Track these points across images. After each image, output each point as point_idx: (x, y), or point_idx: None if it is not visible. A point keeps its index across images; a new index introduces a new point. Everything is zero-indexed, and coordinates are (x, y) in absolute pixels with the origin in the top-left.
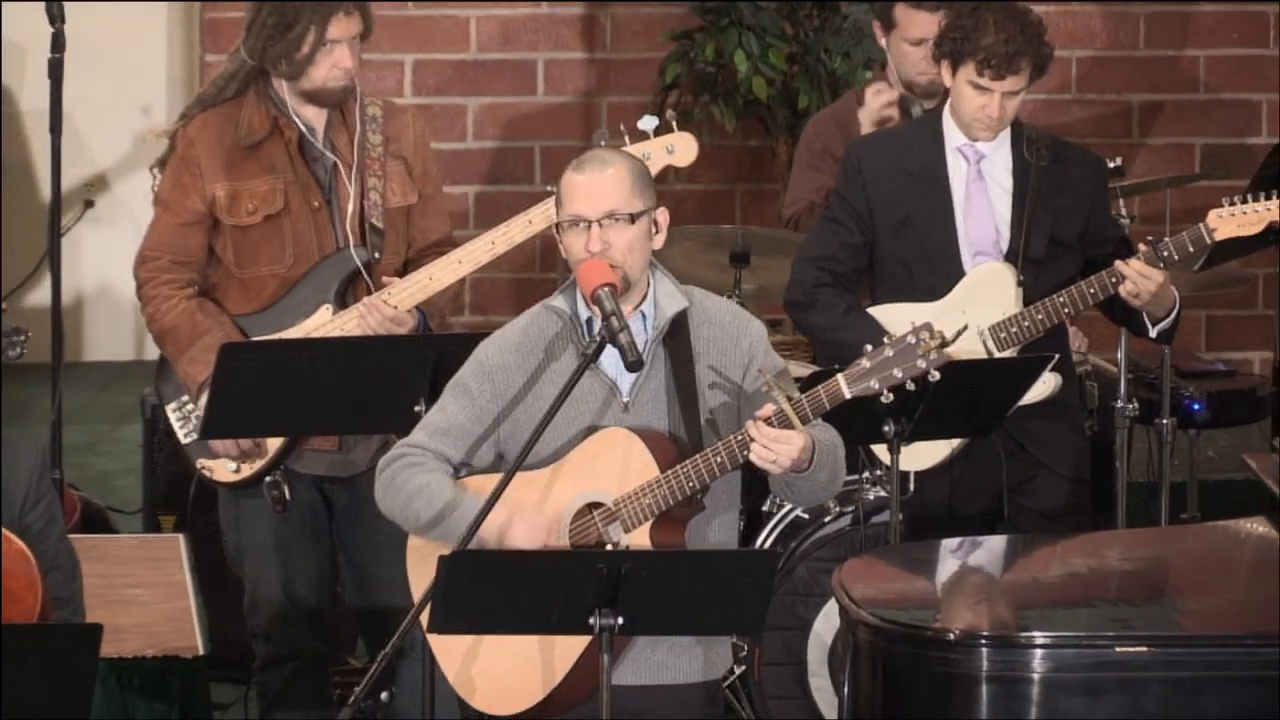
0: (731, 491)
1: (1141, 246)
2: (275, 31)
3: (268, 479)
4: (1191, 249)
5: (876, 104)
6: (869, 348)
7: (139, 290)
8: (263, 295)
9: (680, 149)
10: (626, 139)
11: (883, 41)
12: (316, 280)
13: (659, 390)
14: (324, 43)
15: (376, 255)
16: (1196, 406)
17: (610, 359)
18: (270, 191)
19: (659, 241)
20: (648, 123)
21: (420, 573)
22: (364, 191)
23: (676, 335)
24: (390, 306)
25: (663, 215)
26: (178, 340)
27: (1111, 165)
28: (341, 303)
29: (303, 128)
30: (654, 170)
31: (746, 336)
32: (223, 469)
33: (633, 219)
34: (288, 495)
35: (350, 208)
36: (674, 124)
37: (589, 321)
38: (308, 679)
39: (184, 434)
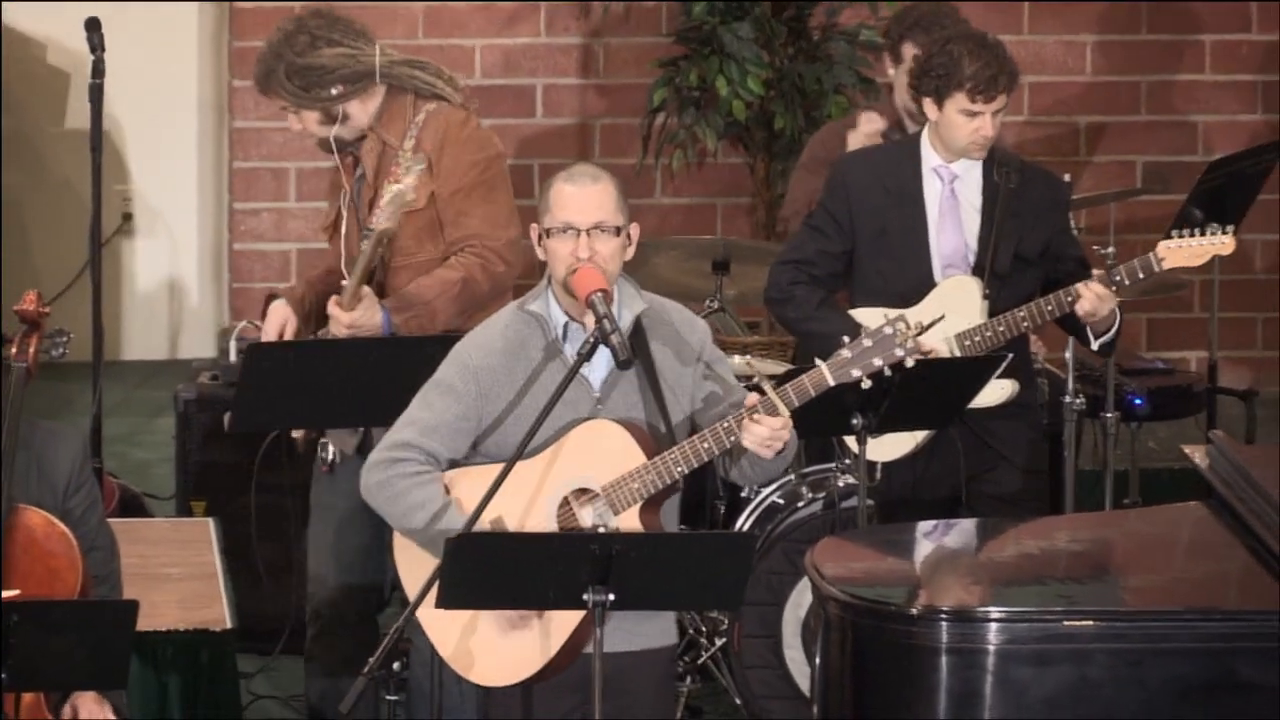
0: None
1: (1096, 272)
2: None
3: (320, 440)
4: (1141, 276)
5: (866, 130)
6: (847, 339)
7: None
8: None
9: None
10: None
11: (890, 71)
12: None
13: (627, 385)
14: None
15: (377, 254)
16: (1138, 401)
17: (574, 346)
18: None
19: (629, 253)
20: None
21: (405, 558)
22: (376, 198)
23: (637, 334)
24: (346, 315)
25: (635, 230)
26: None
27: None
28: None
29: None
30: None
31: (695, 333)
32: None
33: (617, 231)
34: (333, 458)
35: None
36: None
37: (566, 326)
38: (358, 641)
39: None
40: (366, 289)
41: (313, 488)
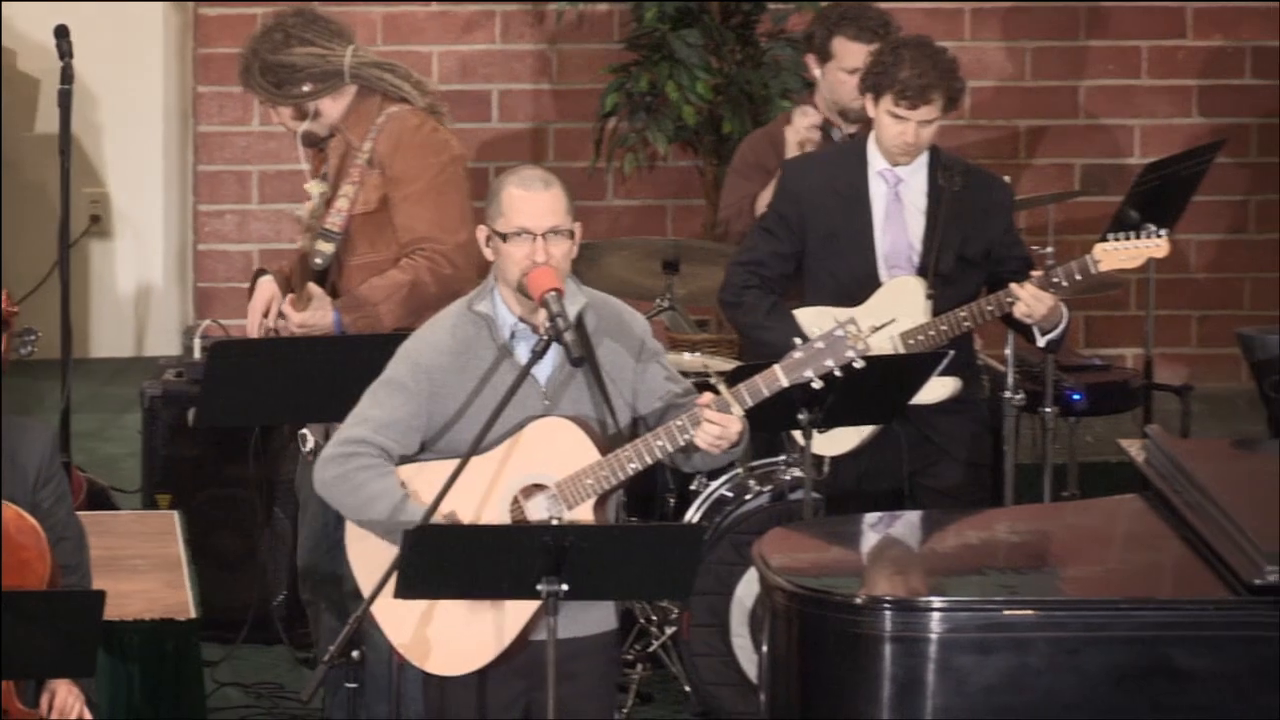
0: None
1: (1034, 274)
2: None
3: (300, 432)
4: (1079, 278)
5: (802, 124)
6: (798, 341)
7: None
8: None
9: None
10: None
11: (816, 72)
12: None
13: (574, 381)
14: None
15: (319, 262)
16: (1076, 396)
17: (526, 353)
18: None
19: (574, 253)
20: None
21: (358, 551)
22: (331, 201)
23: (579, 330)
24: (298, 315)
25: (578, 230)
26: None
27: None
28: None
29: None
30: None
31: (635, 327)
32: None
33: (570, 235)
34: (312, 446)
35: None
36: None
37: (517, 325)
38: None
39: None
40: (318, 290)
41: (298, 476)
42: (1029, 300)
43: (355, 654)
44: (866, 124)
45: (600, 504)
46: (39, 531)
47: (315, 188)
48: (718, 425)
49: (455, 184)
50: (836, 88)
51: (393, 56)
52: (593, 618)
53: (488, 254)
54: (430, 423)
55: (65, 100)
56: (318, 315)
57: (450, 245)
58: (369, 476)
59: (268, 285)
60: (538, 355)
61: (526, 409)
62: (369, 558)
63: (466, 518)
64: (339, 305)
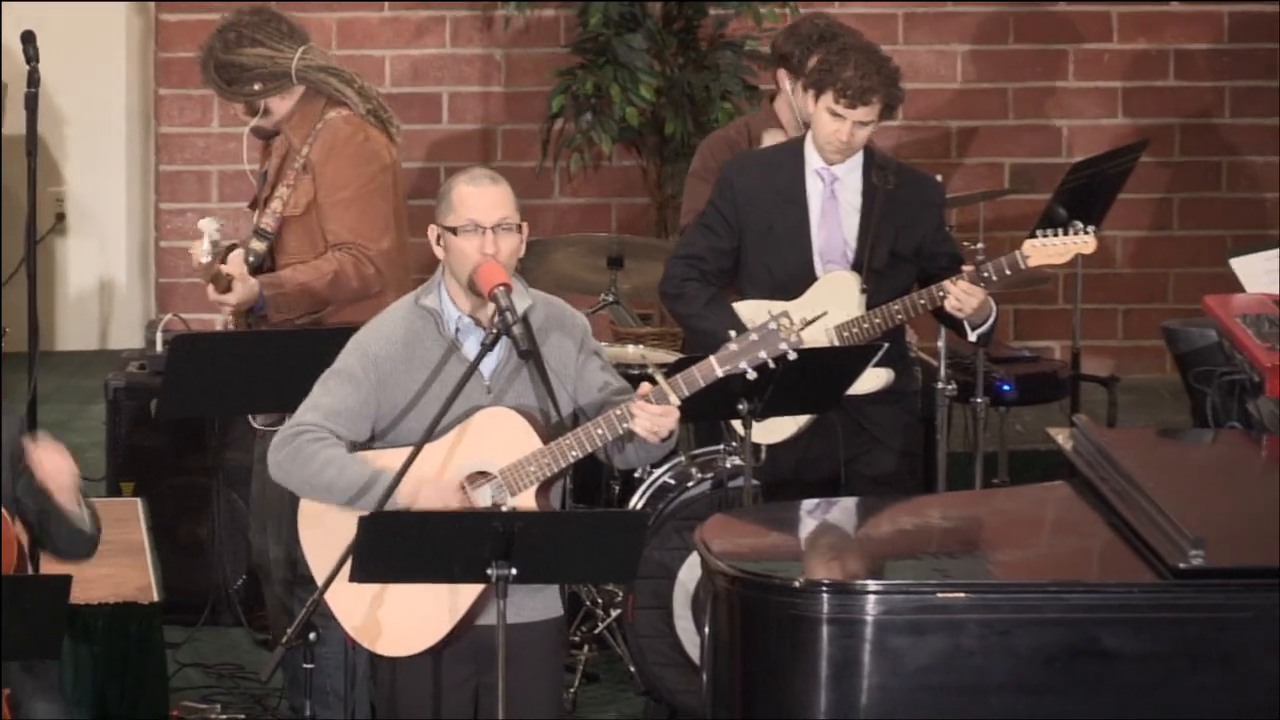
0: None
1: (965, 268)
2: None
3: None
4: (1008, 272)
5: (771, 142)
6: (734, 333)
7: None
8: None
9: None
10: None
11: (786, 85)
12: None
13: (517, 374)
14: None
15: (250, 259)
16: (1006, 387)
17: (472, 347)
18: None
19: (521, 251)
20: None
21: (311, 536)
22: (269, 200)
23: (525, 326)
24: (233, 297)
25: (525, 229)
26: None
27: None
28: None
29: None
30: None
31: (577, 327)
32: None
33: (518, 228)
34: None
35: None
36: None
37: (459, 320)
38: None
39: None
40: (238, 271)
41: (256, 449)
42: (960, 295)
43: (312, 636)
44: (807, 129)
45: (543, 490)
46: (5, 518)
47: (209, 224)
48: (655, 413)
49: (382, 193)
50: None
51: (346, 60)
52: (539, 604)
53: (438, 252)
54: (379, 411)
55: (31, 103)
56: (246, 290)
57: (374, 251)
58: (317, 448)
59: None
60: (487, 348)
61: (471, 400)
62: (322, 543)
63: (415, 505)
64: (263, 280)
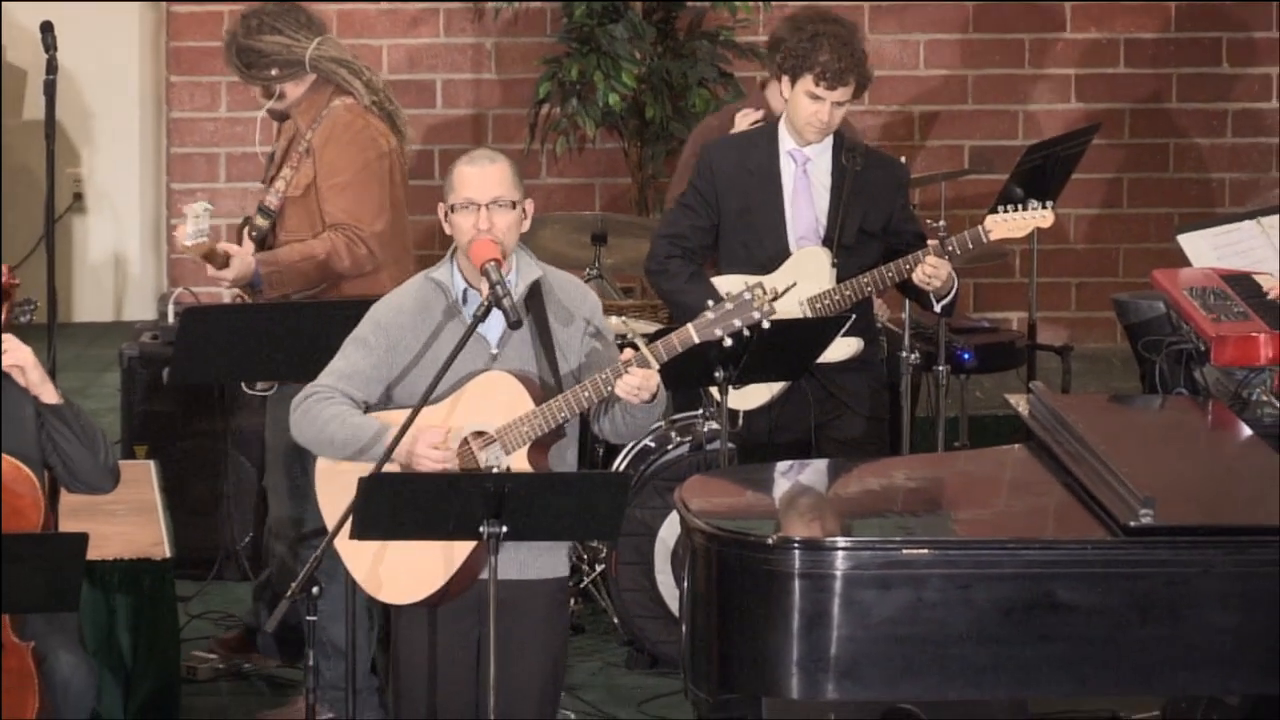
0: (575, 425)
1: (931, 243)
2: None
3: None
4: (971, 246)
5: (744, 124)
6: (711, 303)
7: None
8: None
9: None
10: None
11: (780, 88)
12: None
13: (523, 343)
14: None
15: (253, 235)
16: (966, 356)
17: (471, 309)
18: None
19: (525, 226)
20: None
21: (327, 491)
22: (273, 180)
23: (534, 298)
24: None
25: (529, 205)
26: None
27: None
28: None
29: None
30: None
31: (586, 302)
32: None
33: (513, 205)
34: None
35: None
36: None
37: (465, 291)
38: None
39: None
40: (235, 249)
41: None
42: (929, 268)
43: (315, 590)
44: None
45: (537, 450)
46: (34, 481)
47: (194, 209)
48: (636, 378)
49: (379, 178)
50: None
51: (348, 49)
52: (542, 563)
53: (447, 229)
54: (390, 375)
55: (50, 90)
56: (242, 266)
57: (368, 232)
58: (324, 405)
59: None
60: (479, 318)
61: (476, 365)
62: (336, 498)
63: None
64: (258, 257)
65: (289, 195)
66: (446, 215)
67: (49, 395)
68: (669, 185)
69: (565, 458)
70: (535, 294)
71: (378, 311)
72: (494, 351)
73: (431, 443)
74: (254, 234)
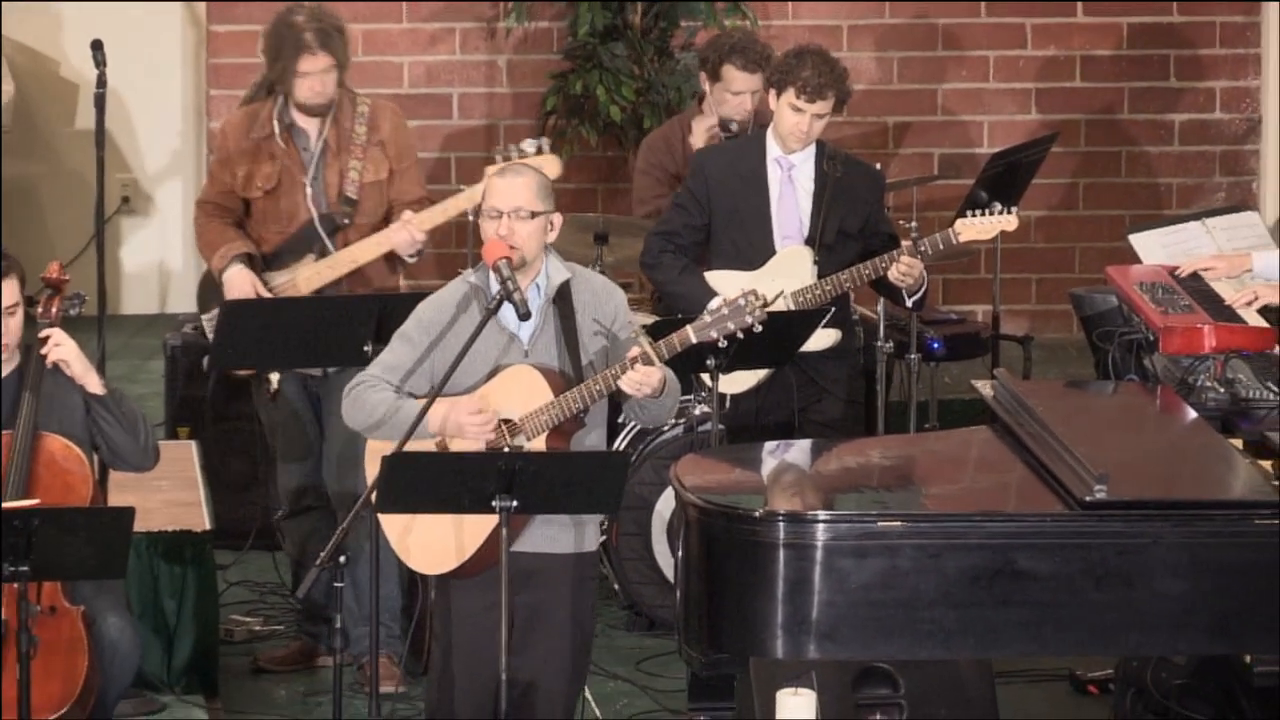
0: (601, 413)
1: (905, 243)
2: (269, 61)
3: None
4: (941, 246)
5: (701, 129)
6: (710, 305)
7: (195, 224)
8: (265, 245)
9: (548, 167)
10: (515, 155)
11: (706, 85)
12: (304, 236)
13: (550, 339)
14: (299, 75)
15: (346, 221)
16: (936, 345)
17: (512, 316)
18: (270, 173)
19: (552, 236)
20: (529, 145)
21: (373, 470)
22: (344, 172)
23: (563, 299)
24: (417, 228)
25: (557, 218)
26: (212, 242)
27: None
28: (321, 252)
29: (295, 127)
30: None
31: (613, 300)
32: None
33: (532, 215)
34: (274, 388)
35: (333, 184)
36: (546, 148)
37: (499, 292)
38: (323, 521)
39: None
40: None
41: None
42: (904, 266)
43: (343, 558)
44: (767, 123)
45: (556, 435)
46: (83, 458)
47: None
48: (638, 375)
49: None
50: (721, 104)
51: (371, 66)
52: (568, 538)
53: (482, 233)
54: (433, 366)
55: (100, 102)
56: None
57: (425, 202)
58: (370, 393)
59: (243, 274)
60: (491, 311)
61: (510, 358)
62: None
63: (454, 444)
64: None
65: (365, 182)
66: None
67: (93, 385)
68: (631, 190)
69: (585, 443)
70: (564, 294)
71: (422, 310)
72: (526, 348)
73: (470, 410)
74: (346, 221)
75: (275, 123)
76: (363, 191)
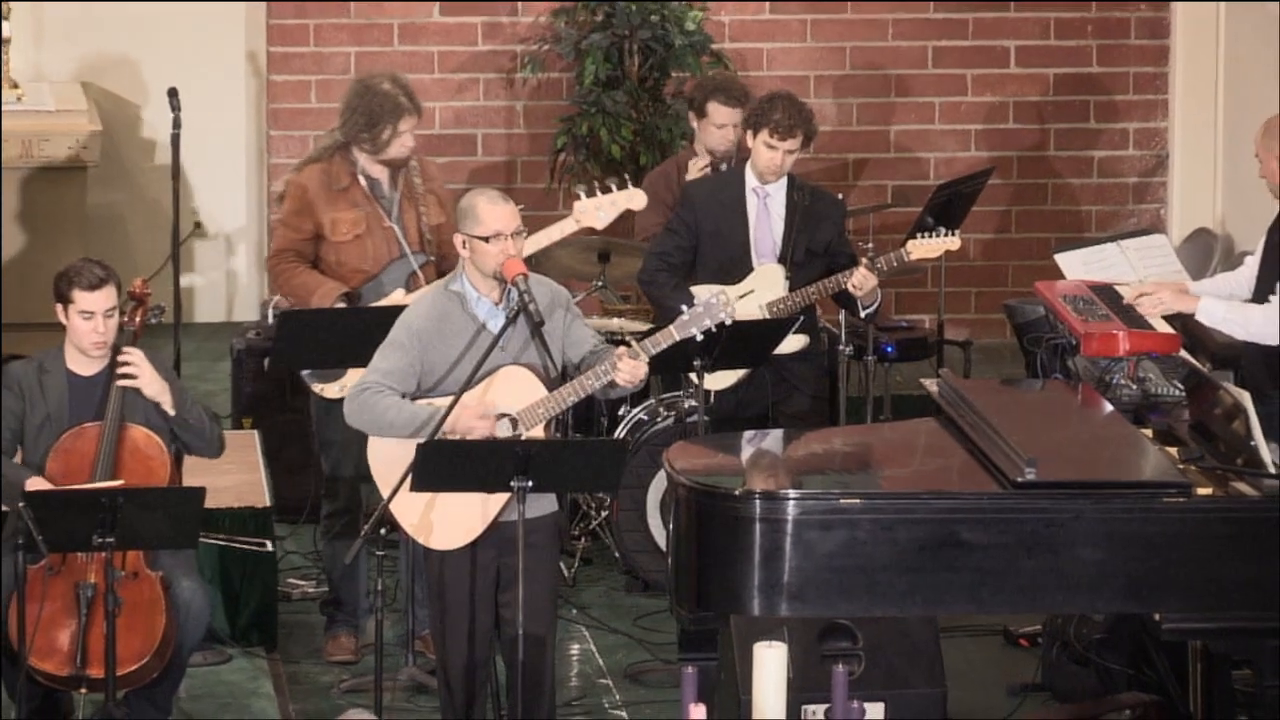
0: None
1: (863, 260)
2: (365, 124)
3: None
4: (895, 264)
5: (694, 168)
6: (685, 307)
7: (273, 279)
8: (352, 284)
9: (636, 200)
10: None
11: (695, 123)
12: (393, 274)
13: (519, 337)
14: (398, 134)
15: (431, 257)
16: (889, 349)
17: (490, 318)
18: (356, 219)
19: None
20: (613, 183)
21: (376, 460)
22: (419, 216)
23: (534, 303)
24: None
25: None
26: (306, 284)
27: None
28: (408, 288)
29: (369, 178)
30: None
31: (562, 297)
32: (331, 390)
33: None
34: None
35: (411, 227)
36: (629, 184)
37: (477, 299)
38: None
39: (319, 388)
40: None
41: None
42: (860, 280)
43: (383, 531)
44: (746, 158)
45: (548, 425)
46: (163, 446)
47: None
48: (630, 368)
49: None
50: (707, 137)
51: None
52: (541, 503)
53: (464, 254)
54: (422, 370)
55: (176, 142)
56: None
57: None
58: (378, 399)
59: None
60: (511, 320)
61: (482, 345)
62: (385, 469)
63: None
64: None
65: (432, 225)
66: (465, 243)
67: (166, 405)
68: (630, 216)
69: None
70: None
71: (408, 318)
72: (502, 344)
73: (475, 414)
74: (430, 259)
75: (360, 176)
76: (434, 233)
